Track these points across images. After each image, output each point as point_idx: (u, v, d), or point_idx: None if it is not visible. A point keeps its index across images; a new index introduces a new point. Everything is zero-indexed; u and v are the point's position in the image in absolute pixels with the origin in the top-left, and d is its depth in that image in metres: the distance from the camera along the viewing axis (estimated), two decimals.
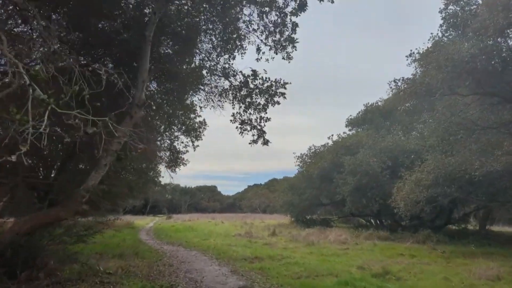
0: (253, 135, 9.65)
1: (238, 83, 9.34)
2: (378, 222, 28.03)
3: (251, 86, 9.06)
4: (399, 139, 20.49)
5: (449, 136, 13.55)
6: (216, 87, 11.47)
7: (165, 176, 33.52)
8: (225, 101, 10.72)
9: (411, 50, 14.06)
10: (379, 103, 27.40)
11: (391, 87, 13.79)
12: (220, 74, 9.65)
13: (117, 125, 5.32)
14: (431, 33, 14.01)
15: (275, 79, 8.88)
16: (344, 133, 28.17)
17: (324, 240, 17.53)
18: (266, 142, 9.51)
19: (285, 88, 8.93)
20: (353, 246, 16.04)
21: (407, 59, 14.07)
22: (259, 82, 8.91)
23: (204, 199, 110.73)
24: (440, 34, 13.64)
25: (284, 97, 8.91)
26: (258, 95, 9.08)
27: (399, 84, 13.42)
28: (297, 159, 30.18)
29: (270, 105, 9.12)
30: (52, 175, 14.03)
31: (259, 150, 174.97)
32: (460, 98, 12.41)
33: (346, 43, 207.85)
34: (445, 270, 10.66)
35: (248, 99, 9.33)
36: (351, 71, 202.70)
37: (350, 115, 29.25)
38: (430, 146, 18.67)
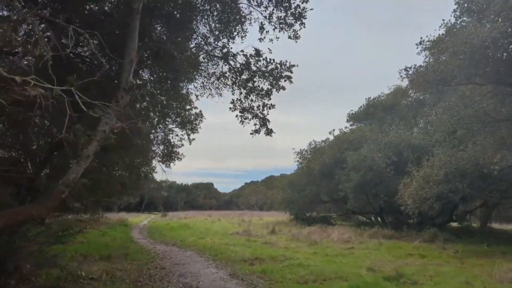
0: (255, 124, 8.70)
1: (238, 65, 8.37)
2: (379, 219, 27.28)
3: (253, 68, 8.10)
4: (403, 134, 19.63)
5: (461, 129, 12.69)
6: (214, 73, 10.52)
7: (160, 172, 32.44)
8: (224, 88, 9.75)
9: (421, 38, 13.14)
10: (382, 97, 26.54)
11: (401, 76, 12.91)
12: (218, 56, 8.64)
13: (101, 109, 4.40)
14: (443, 20, 13.09)
15: (280, 61, 7.92)
16: (346, 128, 27.41)
17: (327, 239, 16.67)
18: (269, 132, 8.57)
19: (291, 72, 7.99)
20: (357, 245, 15.20)
21: (417, 47, 13.14)
22: (263, 64, 7.95)
23: (201, 196, 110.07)
24: (453, 20, 12.73)
25: (291, 81, 7.96)
26: (261, 79, 8.12)
27: (410, 72, 12.53)
28: (297, 155, 29.33)
29: (274, 90, 8.17)
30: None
31: (256, 148, 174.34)
32: (476, 88, 11.55)
33: (345, 41, 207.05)
34: (461, 272, 9.82)
35: (250, 84, 8.36)
36: (349, 70, 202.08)
37: (351, 110, 28.41)
38: (436, 141, 17.89)
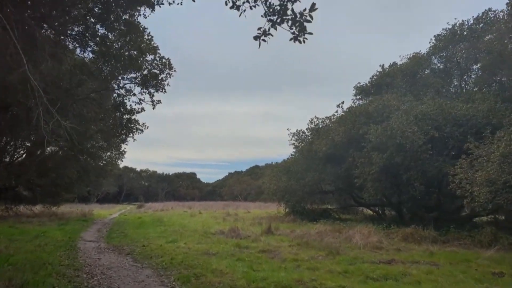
0: (267, 13, 3.75)
1: None
2: (383, 212, 22.96)
3: None
4: (444, 103, 14.95)
5: None
6: None
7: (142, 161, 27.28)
8: None
9: None
10: (399, 65, 21.76)
11: None
12: None
13: None
14: None
15: None
16: (356, 100, 22.65)
17: (348, 243, 12.01)
18: (301, 31, 3.65)
19: None
20: (395, 253, 10.60)
21: None
22: None
23: (183, 187, 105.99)
24: None
25: None
26: None
27: None
28: (292, 136, 24.49)
29: None
30: None
31: (239, 138, 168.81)
32: None
33: (333, 30, 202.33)
34: None
35: None
36: (336, 60, 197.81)
37: (359, 82, 23.61)
38: (489, 110, 13.41)
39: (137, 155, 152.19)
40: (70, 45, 11.28)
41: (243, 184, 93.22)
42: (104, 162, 27.45)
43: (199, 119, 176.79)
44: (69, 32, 10.60)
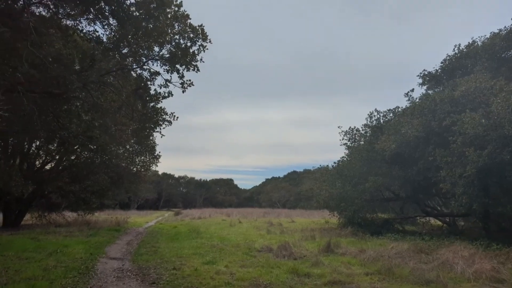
0: None
1: None
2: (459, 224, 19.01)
3: None
4: None
5: None
6: None
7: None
8: None
9: None
10: (482, 43, 17.79)
11: None
12: None
13: None
14: None
15: None
16: (427, 89, 18.94)
17: (449, 272, 8.69)
18: None
19: None
20: None
21: None
22: None
23: (220, 193, 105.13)
24: None
25: None
26: None
27: None
28: (345, 135, 21.26)
29: None
30: None
31: (274, 144, 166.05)
32: None
33: (370, 34, 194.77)
34: None
35: None
36: (372, 64, 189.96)
37: (424, 69, 19.84)
38: None
39: (175, 162, 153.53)
40: (83, 21, 9.02)
41: (282, 191, 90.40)
42: (138, 167, 25.71)
43: (235, 126, 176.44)
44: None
